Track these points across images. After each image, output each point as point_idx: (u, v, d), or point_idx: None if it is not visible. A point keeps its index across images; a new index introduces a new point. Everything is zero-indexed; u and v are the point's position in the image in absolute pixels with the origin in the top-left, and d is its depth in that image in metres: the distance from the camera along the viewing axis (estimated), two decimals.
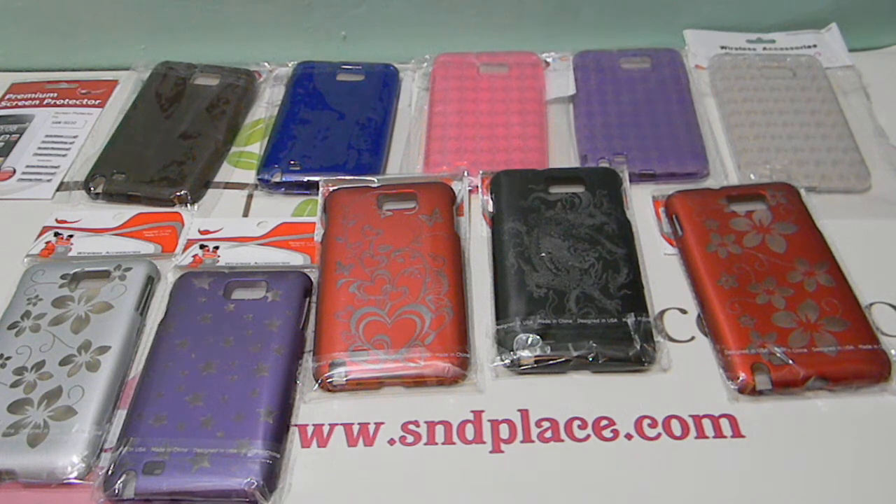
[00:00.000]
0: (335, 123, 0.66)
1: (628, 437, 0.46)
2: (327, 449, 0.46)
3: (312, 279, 0.54)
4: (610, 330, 0.49)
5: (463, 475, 0.45)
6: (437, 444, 0.46)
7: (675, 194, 0.58)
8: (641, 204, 0.59)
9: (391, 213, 0.56)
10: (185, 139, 0.65)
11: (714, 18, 0.75)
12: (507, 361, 0.49)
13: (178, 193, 0.61)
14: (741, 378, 0.47)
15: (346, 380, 0.48)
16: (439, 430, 0.47)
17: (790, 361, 0.47)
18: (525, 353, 0.49)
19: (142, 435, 0.45)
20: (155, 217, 0.60)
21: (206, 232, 0.59)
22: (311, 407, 0.48)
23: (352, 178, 0.60)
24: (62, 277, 0.54)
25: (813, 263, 0.52)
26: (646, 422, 0.47)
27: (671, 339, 0.51)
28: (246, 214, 0.61)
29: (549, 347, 0.49)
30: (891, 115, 0.66)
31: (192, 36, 0.75)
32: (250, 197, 0.63)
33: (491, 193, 0.59)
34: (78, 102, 0.72)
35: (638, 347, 0.48)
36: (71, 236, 0.58)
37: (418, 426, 0.47)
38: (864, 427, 0.46)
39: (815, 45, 0.73)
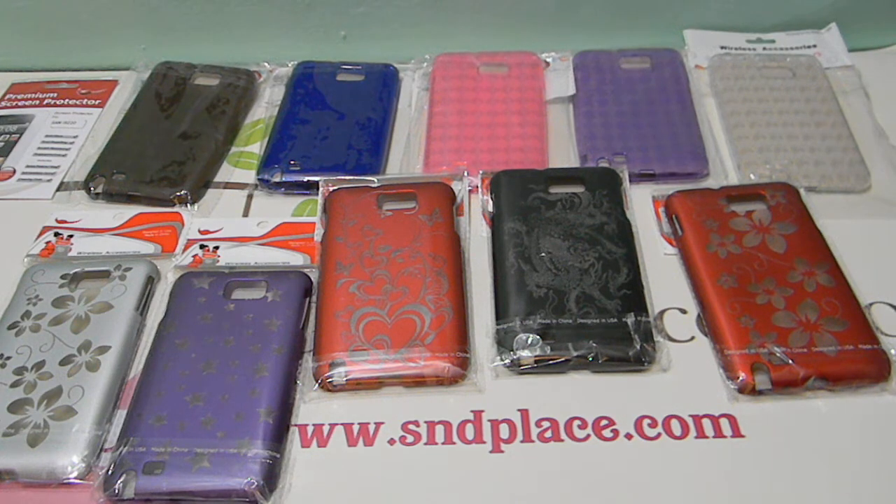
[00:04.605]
0: (335, 123, 0.66)
1: (628, 437, 0.46)
2: (327, 449, 0.46)
3: (312, 279, 0.54)
4: (610, 330, 0.49)
5: (463, 475, 0.45)
6: (437, 444, 0.46)
7: (675, 194, 0.58)
8: (641, 204, 0.59)
9: (391, 213, 0.56)
10: (185, 139, 0.65)
11: (714, 18, 0.75)
12: (507, 361, 0.49)
13: (178, 193, 0.61)
14: (741, 378, 0.47)
15: (346, 380, 0.48)
16: (439, 430, 0.47)
17: (790, 361, 0.47)
18: (525, 353, 0.49)
19: (142, 435, 0.45)
20: (155, 217, 0.60)
21: (206, 232, 0.59)
22: (311, 407, 0.48)
23: (352, 178, 0.60)
24: (62, 277, 0.54)
25: (813, 263, 0.52)
26: (646, 422, 0.47)
27: (671, 339, 0.51)
28: (246, 214, 0.61)
29: (549, 347, 0.49)
30: (891, 115, 0.66)
31: (192, 36, 0.76)
32: (250, 197, 0.63)
33: (491, 193, 0.59)
34: (78, 102, 0.72)
35: (638, 347, 0.49)
36: (71, 236, 0.58)
37: (418, 426, 0.47)
38: (864, 427, 0.46)
39: (814, 45, 0.73)
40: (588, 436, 0.46)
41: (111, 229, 0.59)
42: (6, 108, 0.72)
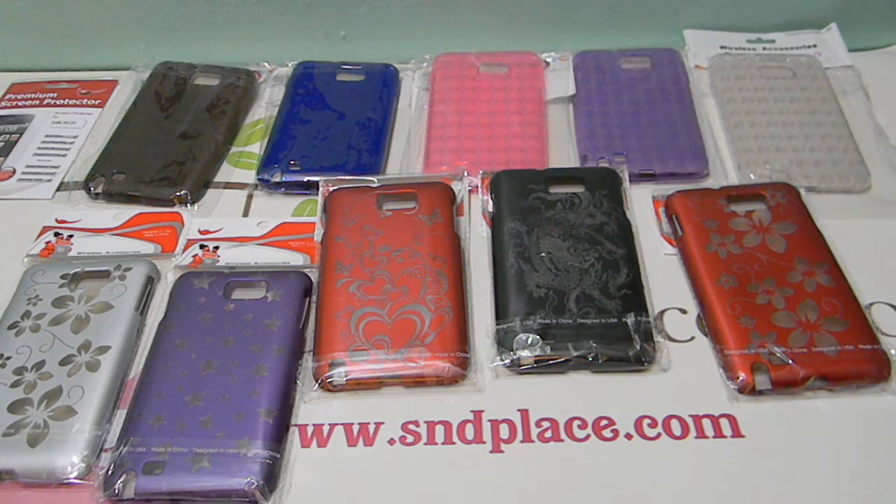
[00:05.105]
0: (335, 123, 0.66)
1: (628, 437, 0.46)
2: (327, 449, 0.46)
3: (312, 279, 0.54)
4: (610, 330, 0.49)
5: (463, 475, 0.45)
6: (437, 444, 0.46)
7: (675, 194, 0.58)
8: (641, 204, 0.59)
9: (391, 213, 0.56)
10: (185, 139, 0.65)
11: (714, 18, 0.75)
12: (506, 361, 0.49)
13: (178, 193, 0.61)
14: (741, 378, 0.47)
15: (346, 380, 0.48)
16: (439, 430, 0.47)
17: (790, 361, 0.47)
18: (525, 353, 0.48)
19: (142, 435, 0.45)
20: (155, 217, 0.60)
21: (206, 232, 0.59)
22: (311, 407, 0.48)
23: (352, 178, 0.60)
24: (62, 277, 0.54)
25: (813, 263, 0.52)
26: (646, 422, 0.47)
27: (671, 339, 0.51)
28: (246, 214, 0.61)
29: (549, 347, 0.49)
30: (891, 115, 0.66)
31: (192, 36, 0.76)
32: (250, 197, 0.63)
33: (491, 193, 0.59)
34: (78, 102, 0.72)
35: (638, 347, 0.49)
36: (71, 236, 0.58)
37: (418, 426, 0.47)
38: (864, 427, 0.46)
39: (814, 45, 0.73)
40: (588, 436, 0.46)
41: (111, 229, 0.59)
42: (6, 108, 0.72)
